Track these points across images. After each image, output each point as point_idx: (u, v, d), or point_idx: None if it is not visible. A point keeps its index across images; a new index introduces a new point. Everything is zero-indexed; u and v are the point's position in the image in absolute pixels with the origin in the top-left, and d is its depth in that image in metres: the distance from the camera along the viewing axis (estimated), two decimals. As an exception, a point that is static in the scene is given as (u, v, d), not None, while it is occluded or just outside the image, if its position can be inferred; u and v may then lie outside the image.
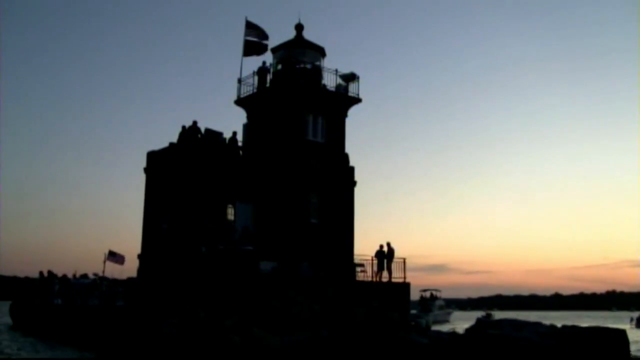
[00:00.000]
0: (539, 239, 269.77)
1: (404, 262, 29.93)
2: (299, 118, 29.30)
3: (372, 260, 29.45)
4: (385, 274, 29.52)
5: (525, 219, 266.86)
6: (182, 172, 29.45)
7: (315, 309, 27.14)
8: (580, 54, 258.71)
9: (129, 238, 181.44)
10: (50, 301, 34.78)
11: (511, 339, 21.58)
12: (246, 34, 31.22)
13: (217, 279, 25.41)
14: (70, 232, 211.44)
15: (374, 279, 29.43)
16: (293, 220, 28.48)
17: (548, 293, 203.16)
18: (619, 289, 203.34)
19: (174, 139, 30.86)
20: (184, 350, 19.44)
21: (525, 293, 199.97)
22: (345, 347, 18.85)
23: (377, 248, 29.48)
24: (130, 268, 40.18)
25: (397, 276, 29.78)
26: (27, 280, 39.96)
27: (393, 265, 29.71)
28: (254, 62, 31.34)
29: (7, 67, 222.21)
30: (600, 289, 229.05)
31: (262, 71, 30.54)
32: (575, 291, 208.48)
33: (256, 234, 28.13)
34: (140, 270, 30.71)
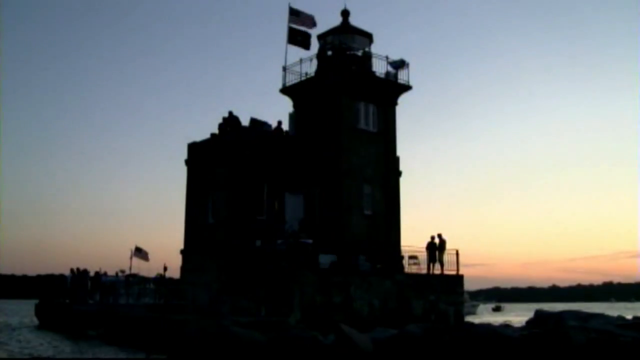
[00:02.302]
0: (535, 231, 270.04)
1: (457, 253, 29.02)
2: (351, 106, 28.25)
3: (425, 252, 28.55)
4: (437, 266, 28.62)
5: (522, 211, 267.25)
6: (226, 164, 28.25)
7: (374, 304, 26.29)
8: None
9: (150, 233, 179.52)
10: (84, 300, 33.50)
11: (596, 331, 20.58)
12: (290, 21, 30.03)
13: (276, 274, 24.30)
14: (89, 229, 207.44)
15: (428, 271, 28.51)
16: (348, 211, 27.45)
17: (545, 285, 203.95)
18: (615, 280, 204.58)
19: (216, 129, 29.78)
20: (271, 353, 18.31)
21: (523, 285, 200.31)
22: (436, 344, 17.77)
23: (428, 240, 28.56)
24: (156, 265, 39.15)
25: (449, 268, 28.88)
26: (54, 278, 38.48)
27: (445, 257, 28.82)
28: (298, 50, 30.21)
29: (33, 58, 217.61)
30: (597, 280, 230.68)
31: (321, 50, 29.28)
32: (573, 283, 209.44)
33: (312, 226, 27.08)
34: (184, 267, 29.52)
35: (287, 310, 23.78)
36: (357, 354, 17.34)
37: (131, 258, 37.95)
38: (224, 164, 28.26)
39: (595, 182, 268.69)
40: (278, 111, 62.79)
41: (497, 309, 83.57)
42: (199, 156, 29.88)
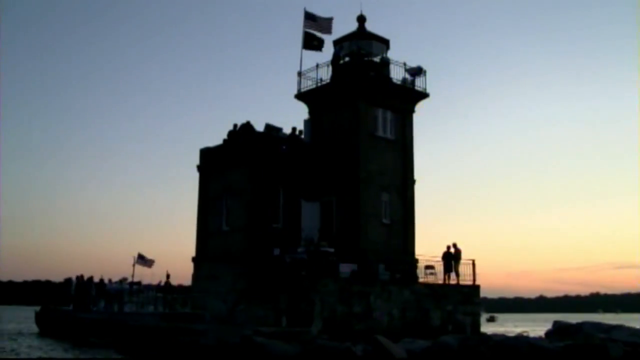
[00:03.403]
0: (522, 242, 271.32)
1: (473, 263, 28.65)
2: (369, 113, 27.84)
3: (441, 261, 28.16)
4: (453, 276, 28.24)
5: (509, 221, 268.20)
6: (241, 169, 27.71)
7: (393, 314, 25.82)
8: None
9: (152, 240, 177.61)
10: (88, 307, 32.70)
11: (627, 344, 20.26)
12: (305, 26, 29.62)
13: (297, 283, 23.75)
14: (91, 235, 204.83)
15: (444, 281, 28.12)
16: (366, 220, 26.98)
17: (533, 295, 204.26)
18: (602, 291, 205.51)
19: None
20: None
21: (510, 296, 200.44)
22: (473, 356, 17.37)
23: (444, 249, 28.18)
24: (159, 272, 38.32)
25: (464, 278, 28.50)
26: (57, 285, 37.59)
27: (460, 267, 28.44)
28: (314, 55, 29.78)
29: (38, 62, 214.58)
30: (584, 291, 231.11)
31: (336, 57, 28.87)
32: (560, 293, 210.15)
33: (329, 234, 26.58)
34: (196, 274, 28.88)
35: (308, 320, 23.23)
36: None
37: (134, 265, 37.22)
38: (239, 169, 27.72)
39: (582, 194, 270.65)
40: (293, 118, 62.18)
41: (491, 320, 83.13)
42: (212, 162, 29.31)
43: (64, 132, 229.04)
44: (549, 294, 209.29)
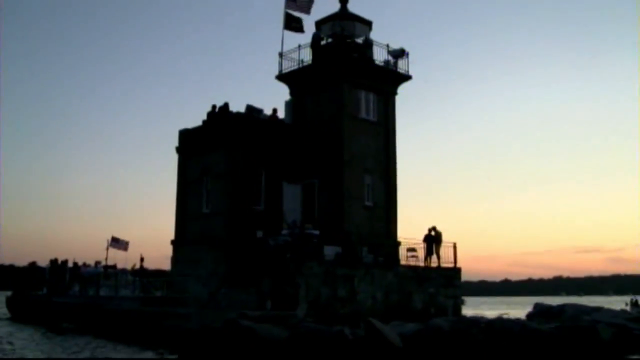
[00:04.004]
0: (487, 226, 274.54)
1: (455, 246, 28.69)
2: (352, 95, 27.55)
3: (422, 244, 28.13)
4: (434, 258, 28.24)
5: (472, 205, 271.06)
6: (222, 151, 27.22)
7: (376, 297, 25.72)
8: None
9: (131, 223, 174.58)
10: (63, 292, 31.99)
11: (612, 325, 20.41)
12: (286, 6, 29.14)
13: (281, 266, 23.45)
14: (65, 217, 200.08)
15: (425, 264, 28.09)
16: (349, 202, 26.77)
17: (497, 279, 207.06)
18: (565, 274, 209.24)
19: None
20: (293, 350, 17.49)
21: (475, 279, 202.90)
22: (465, 338, 17.28)
23: (425, 232, 28.13)
24: (132, 256, 37.64)
25: (445, 261, 28.53)
26: (29, 269, 36.71)
27: (441, 250, 28.45)
28: (295, 36, 29.34)
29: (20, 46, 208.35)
30: (547, 274, 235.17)
31: (317, 40, 28.47)
32: (524, 277, 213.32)
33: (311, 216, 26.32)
34: (175, 258, 28.39)
35: (292, 304, 22.99)
36: (389, 349, 16.71)
37: (107, 248, 36.50)
38: (219, 151, 27.23)
39: (545, 179, 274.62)
40: (273, 99, 61.49)
41: (461, 302, 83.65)
42: (191, 143, 28.76)
43: (36, 111, 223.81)
44: (513, 277, 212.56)
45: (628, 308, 61.64)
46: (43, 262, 35.24)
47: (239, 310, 22.37)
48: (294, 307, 22.81)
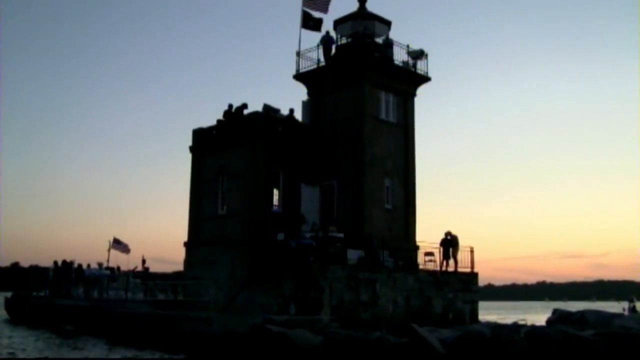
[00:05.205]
0: (470, 231, 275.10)
1: (472, 250, 28.29)
2: (373, 95, 27.03)
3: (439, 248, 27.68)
4: (451, 262, 27.81)
5: (457, 209, 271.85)
6: (240, 151, 26.58)
7: (398, 301, 25.22)
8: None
9: (134, 225, 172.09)
10: (68, 294, 31.11)
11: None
12: (304, 5, 28.58)
13: (304, 269, 22.83)
14: (66, 218, 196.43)
15: (441, 269, 27.65)
16: (369, 205, 26.24)
17: (481, 284, 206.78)
18: (548, 279, 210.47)
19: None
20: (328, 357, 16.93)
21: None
22: (507, 345, 16.82)
23: (442, 236, 27.68)
24: (134, 257, 36.78)
25: (462, 265, 28.12)
26: (32, 269, 35.71)
27: (458, 254, 28.02)
28: (313, 34, 28.79)
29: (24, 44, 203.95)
30: (531, 279, 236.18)
31: (327, 41, 27.96)
32: (508, 282, 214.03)
33: (334, 219, 25.74)
34: (189, 260, 27.66)
35: (316, 308, 22.40)
36: (432, 355, 16.21)
37: (109, 250, 35.72)
38: (237, 150, 26.58)
39: (529, 184, 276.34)
40: (288, 99, 60.85)
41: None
42: (206, 143, 28.07)
43: (42, 111, 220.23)
44: (497, 282, 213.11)
45: (626, 313, 61.75)
46: (41, 262, 34.14)
47: (260, 314, 21.82)
48: (318, 312, 22.24)
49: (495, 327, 18.24)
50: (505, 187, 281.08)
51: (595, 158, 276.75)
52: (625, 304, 62.54)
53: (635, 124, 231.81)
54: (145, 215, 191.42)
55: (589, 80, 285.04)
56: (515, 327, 18.42)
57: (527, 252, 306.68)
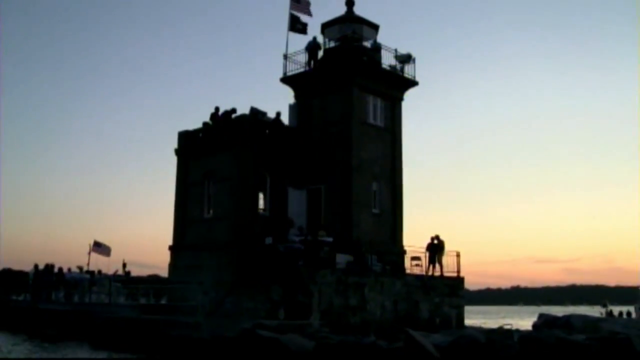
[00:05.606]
0: (445, 235, 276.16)
1: (458, 255, 28.28)
2: (361, 99, 26.98)
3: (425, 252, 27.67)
4: (436, 267, 27.82)
5: (431, 214, 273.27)
6: (227, 154, 26.34)
7: (385, 306, 25.15)
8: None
9: (113, 229, 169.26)
10: (49, 298, 30.54)
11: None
12: (291, 7, 28.47)
13: (293, 274, 22.66)
14: (46, 221, 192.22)
15: (427, 273, 27.65)
16: (357, 209, 26.15)
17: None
18: (522, 284, 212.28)
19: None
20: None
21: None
22: (501, 350, 16.84)
23: (428, 241, 27.69)
24: (115, 261, 36.26)
25: (449, 270, 28.12)
26: (11, 273, 35.05)
27: (444, 259, 28.04)
28: (300, 37, 28.67)
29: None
30: (505, 284, 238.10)
31: (313, 47, 27.91)
32: (482, 286, 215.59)
33: (322, 223, 25.60)
34: (174, 264, 27.33)
35: (305, 313, 22.25)
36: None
37: (89, 253, 35.16)
38: (224, 153, 26.33)
39: (503, 190, 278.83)
40: (274, 102, 60.55)
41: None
42: (192, 146, 27.78)
43: (22, 115, 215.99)
44: (472, 287, 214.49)
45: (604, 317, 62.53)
46: (15, 266, 33.53)
47: (248, 319, 21.58)
48: (307, 316, 22.11)
49: (489, 332, 18.11)
50: (480, 192, 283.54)
51: (567, 166, 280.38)
52: (602, 309, 63.54)
53: (612, 133, 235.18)
54: (126, 218, 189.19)
55: (575, 86, 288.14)
56: (508, 332, 18.38)
57: (501, 257, 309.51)
